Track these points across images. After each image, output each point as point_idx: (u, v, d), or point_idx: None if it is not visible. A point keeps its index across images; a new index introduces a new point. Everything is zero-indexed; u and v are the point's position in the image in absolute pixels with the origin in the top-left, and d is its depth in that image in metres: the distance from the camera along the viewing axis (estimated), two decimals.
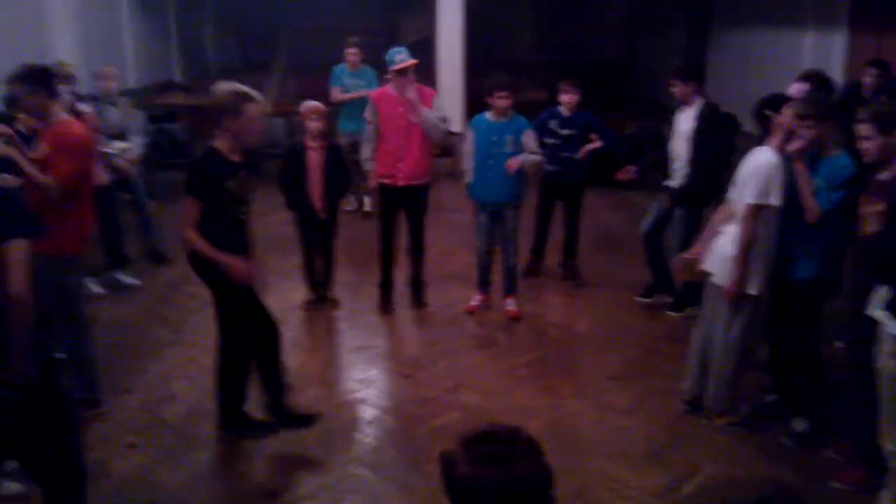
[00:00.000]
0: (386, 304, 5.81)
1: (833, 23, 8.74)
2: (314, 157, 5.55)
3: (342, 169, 5.72)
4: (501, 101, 5.34)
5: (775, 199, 3.81)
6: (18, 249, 2.58)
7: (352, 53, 7.94)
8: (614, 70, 14.30)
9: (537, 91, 11.82)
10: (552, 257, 6.51)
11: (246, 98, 3.65)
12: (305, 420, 4.08)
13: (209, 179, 3.64)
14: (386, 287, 5.82)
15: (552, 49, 14.10)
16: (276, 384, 4.03)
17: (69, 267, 4.07)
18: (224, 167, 3.66)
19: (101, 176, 5.84)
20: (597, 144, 6.04)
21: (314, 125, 5.52)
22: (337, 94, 7.98)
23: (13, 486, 3.50)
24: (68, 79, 5.95)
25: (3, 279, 2.56)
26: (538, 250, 6.46)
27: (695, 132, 5.27)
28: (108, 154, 6.13)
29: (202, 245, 3.63)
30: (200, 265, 3.74)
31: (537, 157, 5.46)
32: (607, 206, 8.33)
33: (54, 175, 3.88)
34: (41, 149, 3.94)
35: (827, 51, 8.69)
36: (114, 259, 6.14)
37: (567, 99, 6.00)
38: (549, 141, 5.93)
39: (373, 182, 5.63)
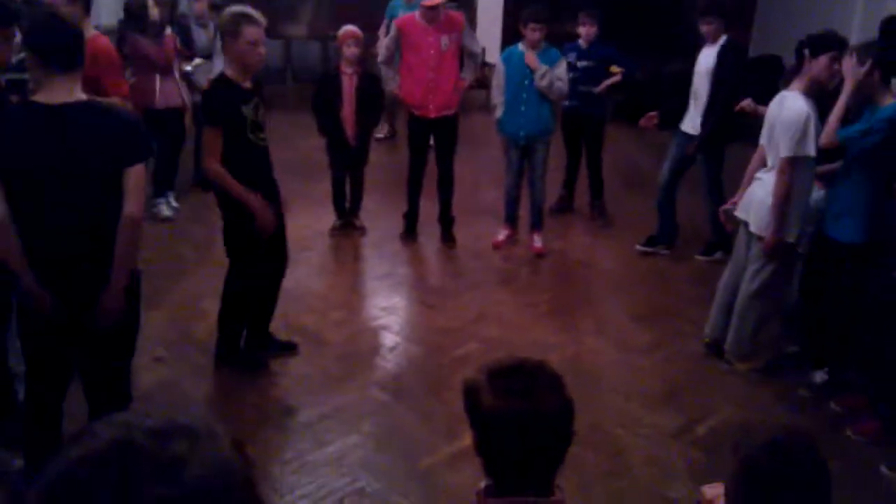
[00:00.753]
0: (409, 234, 5.82)
1: None
2: (348, 84, 5.50)
3: (376, 97, 5.67)
4: (535, 33, 5.22)
5: (811, 150, 3.73)
6: (140, 174, 2.62)
7: None
8: (662, 6, 13.85)
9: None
10: (582, 198, 6.46)
11: (245, 20, 3.55)
12: (288, 347, 4.21)
13: (225, 106, 3.59)
14: (411, 217, 5.82)
15: None
16: (270, 311, 4.14)
17: None
18: (237, 93, 3.61)
19: (184, 97, 5.89)
20: (617, 78, 5.93)
21: (351, 51, 5.46)
22: (383, 28, 7.80)
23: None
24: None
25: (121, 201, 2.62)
26: (569, 184, 6.46)
27: (716, 69, 5.13)
28: (187, 73, 6.11)
29: (231, 182, 3.60)
30: (223, 197, 3.73)
31: (562, 85, 5.35)
32: (637, 144, 8.20)
33: (115, 92, 3.96)
34: None
35: (880, 6, 8.31)
36: (165, 183, 6.13)
37: (584, 31, 5.94)
38: (568, 75, 5.73)
39: (396, 90, 5.64)
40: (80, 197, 2.57)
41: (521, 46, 5.35)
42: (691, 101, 5.35)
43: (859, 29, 7.05)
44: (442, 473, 3.28)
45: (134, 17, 5.67)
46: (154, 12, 5.68)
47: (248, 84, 3.67)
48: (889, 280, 3.60)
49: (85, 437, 0.83)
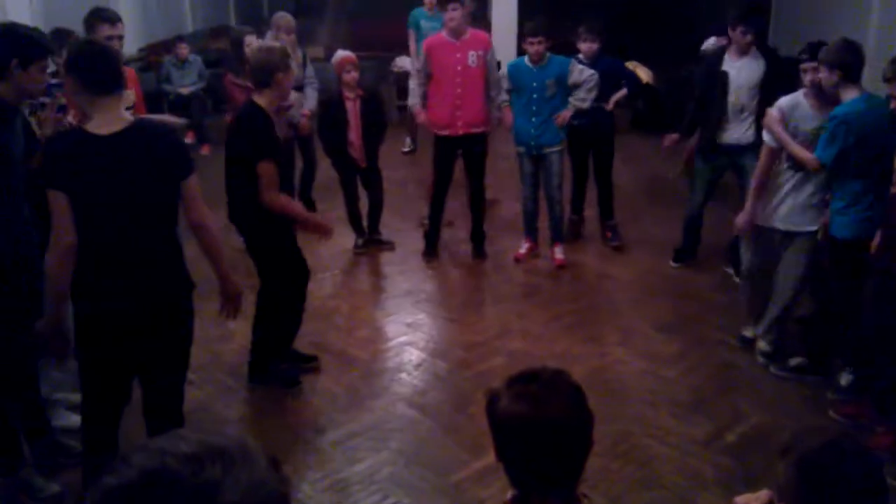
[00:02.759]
0: (430, 253, 5.86)
1: None
2: (352, 108, 5.59)
3: (380, 117, 5.75)
4: (534, 47, 5.24)
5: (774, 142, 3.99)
6: (195, 183, 2.78)
7: None
8: (674, 13, 13.84)
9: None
10: (593, 219, 6.38)
11: (289, 55, 3.77)
12: (310, 360, 4.33)
13: (274, 139, 3.71)
14: (433, 236, 5.86)
15: None
16: (296, 327, 4.24)
17: None
18: (270, 122, 3.72)
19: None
20: (623, 92, 5.78)
21: (350, 76, 5.53)
22: (410, 40, 7.90)
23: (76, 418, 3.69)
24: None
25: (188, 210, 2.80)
26: (578, 207, 6.17)
27: (764, 81, 4.96)
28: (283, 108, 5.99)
29: (291, 203, 3.85)
30: (261, 230, 3.86)
31: (585, 104, 5.34)
32: (657, 153, 8.17)
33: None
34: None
35: None
36: None
37: (586, 48, 5.63)
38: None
39: (421, 118, 5.66)
40: (142, 217, 2.68)
41: (526, 60, 5.38)
42: (731, 116, 5.05)
43: (876, 27, 7.01)
44: (471, 488, 3.30)
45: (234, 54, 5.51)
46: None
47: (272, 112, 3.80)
48: None
49: (120, 466, 0.84)
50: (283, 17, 6.06)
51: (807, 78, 4.00)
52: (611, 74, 5.68)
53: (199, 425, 3.76)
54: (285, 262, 4.00)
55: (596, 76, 5.33)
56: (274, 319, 4.08)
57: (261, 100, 3.71)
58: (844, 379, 3.98)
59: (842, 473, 1.68)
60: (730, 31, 5.03)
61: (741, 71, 5.00)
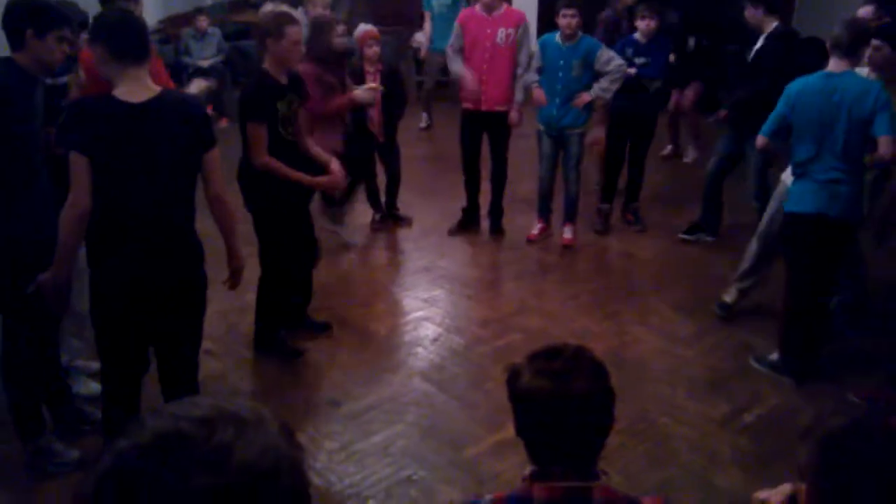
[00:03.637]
0: (468, 226, 5.85)
1: None
2: (372, 82, 5.54)
3: (400, 93, 5.70)
4: (567, 19, 5.15)
5: None
6: (216, 157, 2.82)
7: None
8: None
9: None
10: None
11: (288, 20, 3.69)
12: (324, 327, 4.39)
13: (265, 101, 3.69)
14: (471, 211, 5.84)
15: None
16: (306, 298, 4.33)
17: None
18: (274, 89, 3.72)
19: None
20: (629, 70, 5.45)
21: (372, 50, 5.48)
22: (426, 20, 8.03)
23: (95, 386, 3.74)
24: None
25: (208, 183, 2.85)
26: (608, 196, 5.92)
27: (759, 54, 4.96)
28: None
29: (283, 168, 3.73)
30: (255, 191, 3.86)
31: (607, 95, 5.27)
32: (684, 133, 8.10)
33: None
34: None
35: None
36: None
37: (644, 25, 5.49)
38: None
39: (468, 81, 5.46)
40: (164, 186, 2.69)
41: (557, 37, 5.31)
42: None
43: None
44: (487, 462, 3.31)
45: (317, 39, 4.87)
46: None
47: (283, 79, 3.77)
48: None
49: (133, 429, 0.85)
50: None
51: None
52: (659, 56, 5.55)
53: (214, 395, 3.79)
54: (282, 230, 3.96)
55: (623, 67, 5.22)
56: (273, 287, 4.10)
57: (265, 63, 3.76)
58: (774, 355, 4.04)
59: (867, 454, 1.64)
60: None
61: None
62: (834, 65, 3.70)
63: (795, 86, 3.78)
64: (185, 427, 0.84)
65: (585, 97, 5.24)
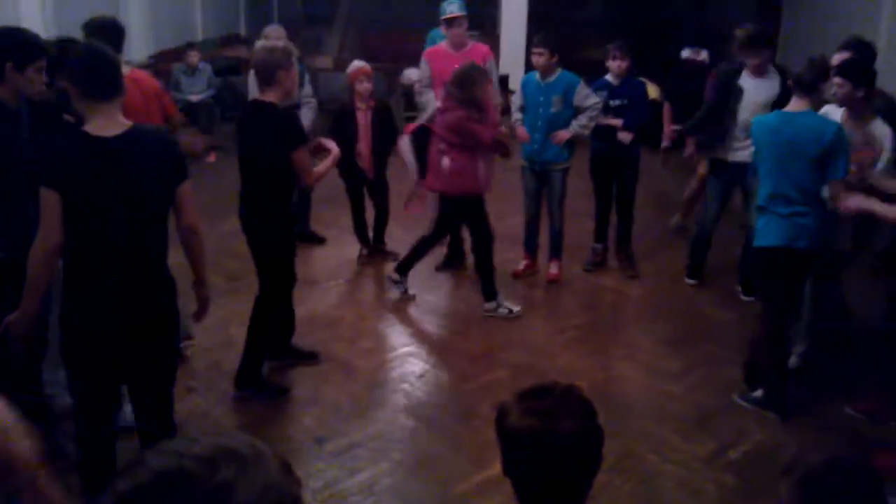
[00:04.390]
0: (454, 261, 5.87)
1: None
2: (363, 119, 5.60)
3: (390, 128, 5.76)
4: (535, 57, 5.24)
5: None
6: (188, 190, 2.81)
7: None
8: (682, 31, 13.90)
9: (602, 49, 11.59)
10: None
11: (292, 53, 3.87)
12: (309, 357, 4.41)
13: (302, 129, 3.91)
14: (455, 246, 5.87)
15: (620, 4, 13.76)
16: (292, 323, 4.37)
17: None
18: (289, 113, 3.90)
19: None
20: (617, 122, 5.47)
21: (363, 86, 5.54)
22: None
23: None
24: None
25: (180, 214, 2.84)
26: (601, 235, 5.90)
27: (779, 100, 4.84)
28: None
29: (321, 168, 4.03)
30: (269, 225, 3.96)
31: (586, 132, 5.32)
32: (661, 167, 8.18)
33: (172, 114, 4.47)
34: None
35: None
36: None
37: (616, 65, 5.47)
38: (603, 118, 5.43)
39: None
40: (138, 220, 2.68)
41: (536, 75, 5.38)
42: (739, 134, 5.00)
43: (885, 51, 7.01)
44: (473, 500, 3.28)
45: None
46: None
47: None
48: None
49: (136, 468, 0.85)
50: (276, 30, 6.06)
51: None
52: (634, 98, 5.52)
53: (200, 432, 3.75)
54: (287, 267, 4.08)
55: (599, 105, 5.29)
56: (269, 326, 4.15)
57: (267, 97, 3.81)
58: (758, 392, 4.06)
59: (844, 491, 1.66)
60: (740, 56, 5.03)
61: (758, 88, 4.97)
62: (794, 103, 3.82)
63: (754, 125, 3.97)
64: (187, 465, 0.83)
65: (564, 134, 5.28)
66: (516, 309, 5.09)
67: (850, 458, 1.74)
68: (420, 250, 5.26)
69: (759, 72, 4.96)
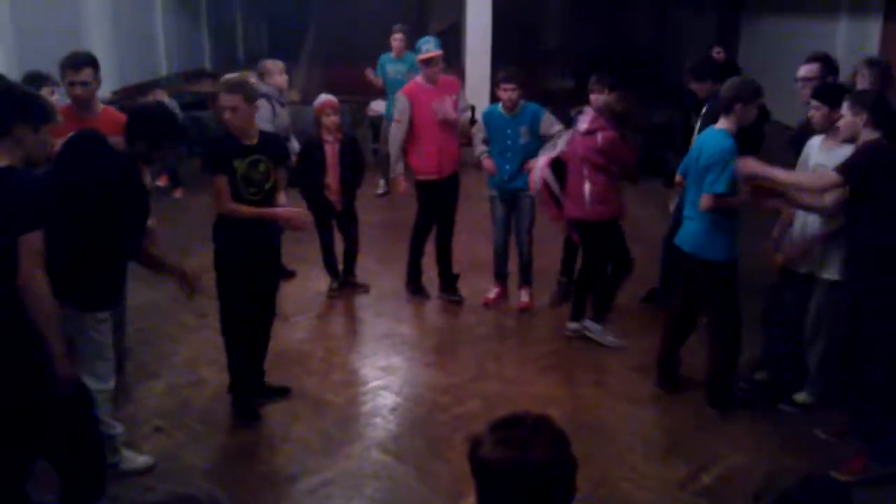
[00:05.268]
0: (417, 289, 5.90)
1: (867, 11, 8.58)
2: (331, 151, 5.61)
3: (358, 161, 5.78)
4: (506, 93, 5.28)
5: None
6: (32, 242, 2.62)
7: (397, 40, 8.05)
8: (644, 58, 14.19)
9: (565, 80, 11.80)
10: None
11: (253, 88, 4.00)
12: (281, 392, 4.39)
13: (219, 156, 3.90)
14: (416, 272, 5.90)
15: (581, 37, 14.04)
16: (260, 360, 4.36)
17: None
18: (234, 147, 3.90)
19: None
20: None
21: (330, 119, 5.57)
22: (377, 81, 8.29)
23: (141, 460, 3.65)
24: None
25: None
26: (568, 269, 5.83)
27: (707, 120, 5.11)
28: None
29: (246, 209, 3.91)
30: (217, 237, 4.03)
31: (559, 140, 5.29)
32: (634, 198, 8.27)
33: None
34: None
35: (861, 39, 8.55)
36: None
37: (594, 99, 5.37)
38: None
39: (401, 186, 5.70)
40: None
41: (500, 107, 5.42)
42: None
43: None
44: None
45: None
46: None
47: (251, 140, 3.95)
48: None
49: None
50: (274, 64, 6.08)
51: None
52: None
53: (167, 474, 3.68)
54: (236, 289, 4.06)
55: (564, 133, 5.30)
56: (232, 349, 4.17)
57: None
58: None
59: None
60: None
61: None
62: (720, 121, 4.11)
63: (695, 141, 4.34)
64: None
65: (533, 164, 5.29)
66: (611, 339, 5.11)
67: (821, 477, 1.76)
68: (588, 290, 5.19)
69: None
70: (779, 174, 3.83)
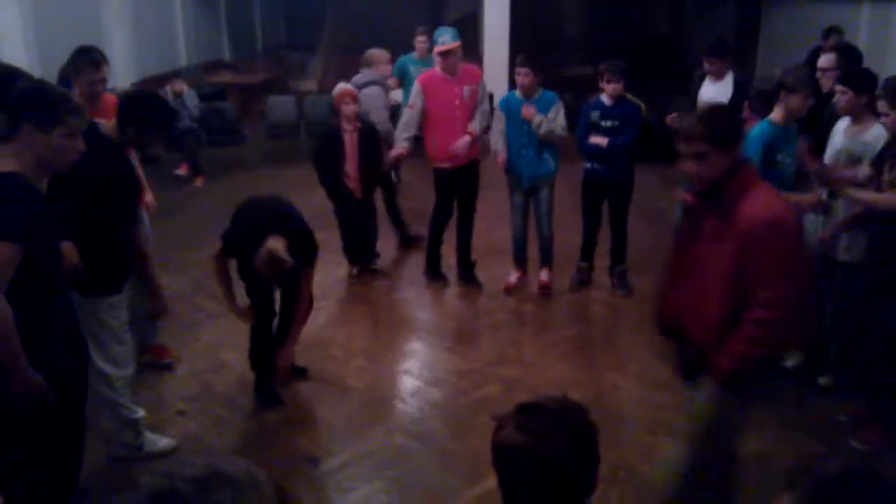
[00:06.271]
0: (436, 275, 5.91)
1: None
2: (350, 141, 5.62)
3: (376, 150, 5.78)
4: (521, 78, 5.28)
5: None
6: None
7: (420, 42, 7.77)
8: (663, 45, 14.06)
9: (583, 67, 11.71)
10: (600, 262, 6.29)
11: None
12: (299, 372, 4.46)
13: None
14: (436, 258, 5.91)
15: (600, 24, 13.94)
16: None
17: None
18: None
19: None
20: (601, 142, 5.37)
21: (349, 108, 5.57)
22: (393, 84, 7.95)
23: (163, 442, 3.73)
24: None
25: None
26: (588, 254, 5.84)
27: (732, 102, 5.13)
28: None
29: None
30: None
31: (556, 128, 5.32)
32: (653, 182, 8.23)
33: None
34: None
35: (884, 22, 8.42)
36: None
37: (611, 88, 5.35)
38: (593, 137, 5.40)
39: (397, 152, 5.70)
40: None
41: (517, 93, 5.42)
42: None
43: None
44: None
45: None
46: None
47: None
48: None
49: (128, 489, 0.85)
50: (380, 53, 6.43)
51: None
52: (625, 119, 5.37)
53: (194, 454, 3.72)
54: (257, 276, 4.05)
55: (563, 132, 5.35)
56: (255, 334, 4.22)
57: None
58: (823, 381, 4.16)
59: (863, 502, 1.56)
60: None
61: (708, 94, 5.25)
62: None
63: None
64: (180, 486, 0.83)
65: (531, 110, 5.26)
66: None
67: (865, 467, 1.63)
68: None
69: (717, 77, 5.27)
70: (861, 196, 3.66)
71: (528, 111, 5.28)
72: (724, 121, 2.72)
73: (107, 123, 3.39)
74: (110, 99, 4.31)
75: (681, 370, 3.06)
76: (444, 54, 5.39)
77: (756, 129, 4.07)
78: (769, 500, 1.64)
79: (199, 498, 0.83)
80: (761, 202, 2.57)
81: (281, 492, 0.90)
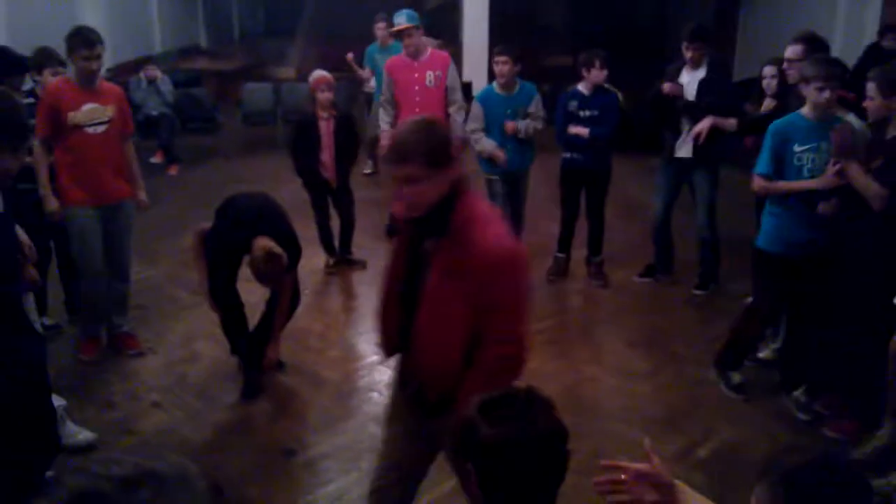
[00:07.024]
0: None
1: None
2: (326, 128, 5.57)
3: (353, 138, 5.74)
4: (499, 66, 5.24)
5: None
6: None
7: (380, 28, 7.59)
8: (644, 34, 14.07)
9: (563, 56, 11.70)
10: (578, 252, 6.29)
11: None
12: (278, 365, 4.37)
13: None
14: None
15: (581, 12, 13.91)
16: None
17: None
18: None
19: None
20: (582, 132, 5.33)
21: (324, 95, 5.51)
22: (366, 74, 7.99)
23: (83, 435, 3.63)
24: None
25: None
26: (565, 245, 5.80)
27: (706, 82, 5.06)
28: None
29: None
30: None
31: (538, 124, 5.34)
32: (630, 173, 8.25)
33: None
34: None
35: (861, 16, 8.48)
36: None
37: (594, 75, 5.29)
38: (573, 126, 5.36)
39: (385, 141, 5.67)
40: None
41: (495, 87, 5.38)
42: (683, 128, 5.14)
43: (840, 53, 7.17)
44: None
45: None
46: None
47: None
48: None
49: (51, 488, 0.84)
50: (432, 42, 6.31)
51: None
52: (604, 109, 5.36)
53: (159, 449, 3.69)
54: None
55: (539, 124, 5.35)
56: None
57: None
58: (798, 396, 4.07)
59: (831, 491, 1.58)
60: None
61: (690, 83, 5.13)
62: None
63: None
64: (102, 486, 0.82)
65: (512, 126, 5.28)
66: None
67: (835, 457, 1.66)
68: None
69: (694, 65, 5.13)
70: (860, 180, 3.59)
71: (510, 127, 5.27)
72: (439, 136, 2.28)
73: None
74: (107, 84, 4.49)
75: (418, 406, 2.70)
76: (399, 35, 5.39)
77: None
78: (744, 490, 1.67)
79: (122, 497, 0.82)
80: (493, 234, 2.27)
81: (216, 490, 0.89)
